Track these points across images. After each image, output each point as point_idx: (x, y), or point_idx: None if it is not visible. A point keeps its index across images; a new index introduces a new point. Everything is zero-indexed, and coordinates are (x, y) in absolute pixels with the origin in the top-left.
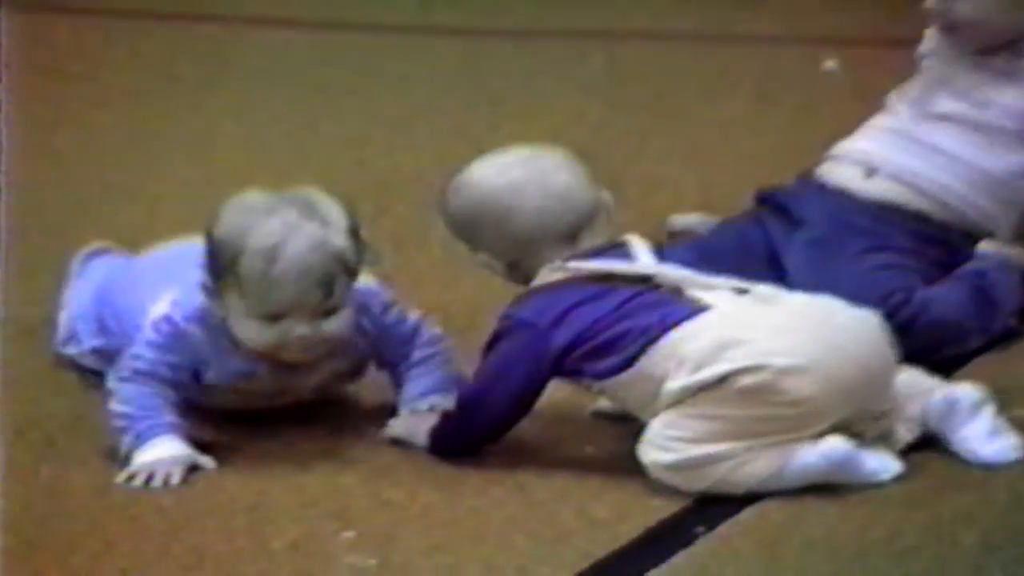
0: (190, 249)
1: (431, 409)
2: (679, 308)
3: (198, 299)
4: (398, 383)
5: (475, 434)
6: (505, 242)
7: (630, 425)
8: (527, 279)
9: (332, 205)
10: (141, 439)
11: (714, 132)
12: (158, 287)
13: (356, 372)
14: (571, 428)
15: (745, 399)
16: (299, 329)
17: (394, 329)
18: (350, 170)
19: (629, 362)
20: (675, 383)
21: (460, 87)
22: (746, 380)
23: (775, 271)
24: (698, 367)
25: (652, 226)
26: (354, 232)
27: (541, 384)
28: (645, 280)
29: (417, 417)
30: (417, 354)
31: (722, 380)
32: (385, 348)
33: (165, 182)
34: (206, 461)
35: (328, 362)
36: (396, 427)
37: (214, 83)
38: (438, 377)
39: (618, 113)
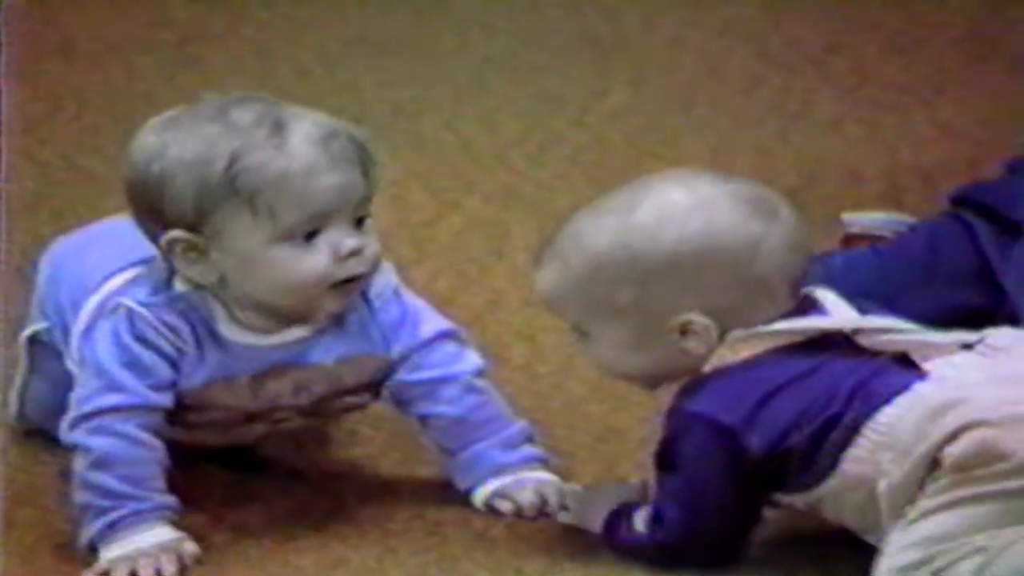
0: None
1: (525, 465)
2: (888, 380)
3: (154, 277)
4: (426, 418)
5: (695, 563)
6: (735, 290)
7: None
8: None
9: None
10: (117, 527)
11: (903, 96)
12: (107, 260)
13: (362, 391)
14: None
15: (965, 478)
16: (348, 240)
17: (413, 328)
18: (402, 147)
19: (831, 466)
20: (884, 482)
21: (555, 34)
22: (955, 449)
23: (988, 292)
24: (906, 453)
25: (821, 223)
26: None
27: (751, 498)
28: (850, 341)
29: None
30: (459, 377)
31: (933, 462)
32: (406, 355)
33: None
34: (193, 548)
35: (331, 367)
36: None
37: (211, 30)
38: (502, 415)
39: (773, 70)
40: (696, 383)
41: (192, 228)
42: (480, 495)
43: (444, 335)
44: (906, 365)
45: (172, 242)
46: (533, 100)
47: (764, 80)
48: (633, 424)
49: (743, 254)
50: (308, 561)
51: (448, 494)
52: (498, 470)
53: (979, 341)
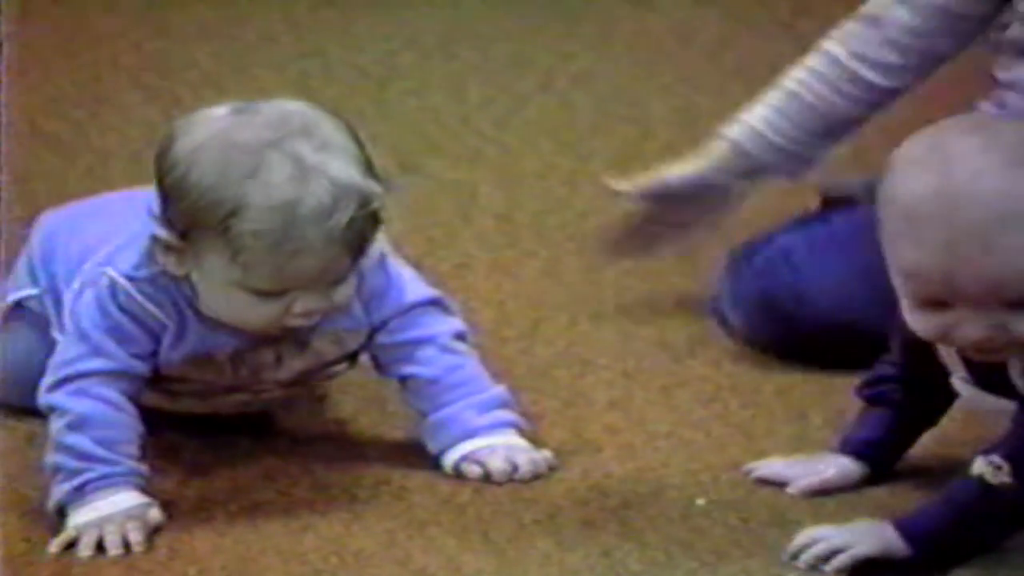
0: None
1: (496, 430)
2: None
3: (138, 250)
4: (410, 383)
5: None
6: None
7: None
8: None
9: (329, 120)
10: (86, 489)
11: None
12: (104, 233)
13: (343, 360)
14: (677, 472)
15: None
16: (306, 303)
17: (396, 293)
18: (368, 111)
19: None
20: None
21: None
22: None
23: None
24: None
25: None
26: (367, 158)
27: None
28: None
29: None
30: (437, 339)
31: None
32: (386, 324)
33: None
34: (159, 515)
35: (313, 344)
36: None
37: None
38: (478, 379)
39: (741, 34)
40: None
41: (180, 236)
42: (450, 459)
43: (426, 303)
44: None
45: (157, 238)
46: (499, 64)
47: (732, 43)
48: (600, 388)
49: None
50: (275, 527)
51: (415, 459)
52: (469, 434)
53: None
